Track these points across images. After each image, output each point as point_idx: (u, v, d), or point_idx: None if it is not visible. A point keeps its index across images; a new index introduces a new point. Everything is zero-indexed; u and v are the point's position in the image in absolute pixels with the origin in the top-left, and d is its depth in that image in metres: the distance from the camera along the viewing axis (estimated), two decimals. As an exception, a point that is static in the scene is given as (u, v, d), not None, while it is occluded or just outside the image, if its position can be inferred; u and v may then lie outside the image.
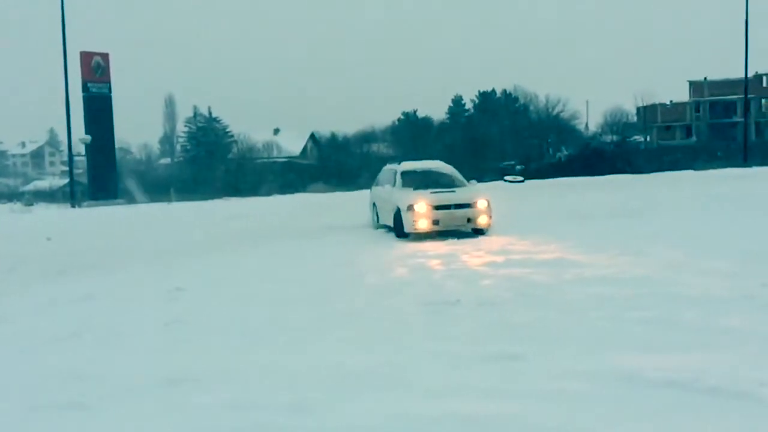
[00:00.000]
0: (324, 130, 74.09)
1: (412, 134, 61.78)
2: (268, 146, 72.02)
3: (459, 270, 9.75)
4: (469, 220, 13.74)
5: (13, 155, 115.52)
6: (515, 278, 8.88)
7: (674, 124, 71.62)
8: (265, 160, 64.50)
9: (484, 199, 13.84)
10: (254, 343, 6.35)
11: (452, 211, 13.68)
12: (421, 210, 13.57)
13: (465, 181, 14.97)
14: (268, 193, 36.77)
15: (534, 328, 6.41)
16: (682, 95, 72.57)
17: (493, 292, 8.08)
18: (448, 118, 71.04)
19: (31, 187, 68.31)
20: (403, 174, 15.05)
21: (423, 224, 13.56)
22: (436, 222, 13.62)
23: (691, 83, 71.43)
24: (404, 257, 11.13)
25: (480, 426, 4.20)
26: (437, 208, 13.62)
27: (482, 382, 4.94)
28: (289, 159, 67.01)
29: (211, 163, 59.30)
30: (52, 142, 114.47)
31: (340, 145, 66.37)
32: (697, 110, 71.09)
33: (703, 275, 8.50)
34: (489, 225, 13.86)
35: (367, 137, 65.07)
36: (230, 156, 63.79)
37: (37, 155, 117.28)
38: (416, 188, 14.25)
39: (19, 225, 23.67)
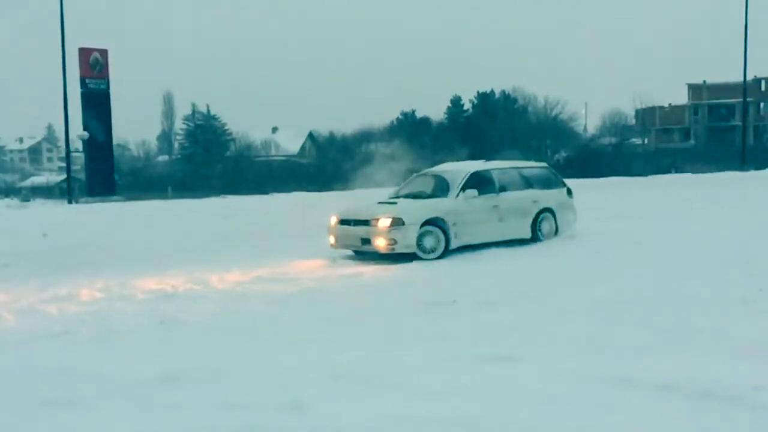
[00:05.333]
0: (322, 129, 74.04)
1: (410, 134, 61.68)
2: (267, 145, 71.98)
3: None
4: (363, 240, 11.25)
5: (11, 151, 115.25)
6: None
7: (672, 127, 71.68)
8: (263, 158, 64.44)
9: (387, 217, 11.00)
10: (249, 342, 6.34)
11: (350, 227, 11.43)
12: (331, 223, 11.83)
13: (454, 188, 11.78)
14: (266, 192, 36.73)
15: (529, 329, 6.41)
16: (681, 98, 72.68)
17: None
18: (446, 119, 70.88)
19: (28, 182, 68.21)
20: (414, 178, 13.17)
21: (331, 240, 11.79)
22: (336, 239, 11.69)
23: (690, 86, 71.49)
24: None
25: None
26: (341, 222, 11.65)
27: (477, 383, 4.92)
28: (288, 158, 66.96)
29: (209, 161, 59.19)
30: (50, 137, 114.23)
31: (338, 144, 66.30)
32: (696, 113, 71.16)
33: (697, 278, 8.50)
34: (391, 249, 10.93)
35: (365, 137, 64.97)
36: (228, 154, 63.69)
37: (34, 151, 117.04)
38: (402, 196, 12.34)
39: (16, 220, 23.61)
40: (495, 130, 58.33)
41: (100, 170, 40.59)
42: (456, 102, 72.10)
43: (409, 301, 7.84)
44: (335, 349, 5.94)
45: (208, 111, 66.87)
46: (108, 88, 41.28)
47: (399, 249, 10.95)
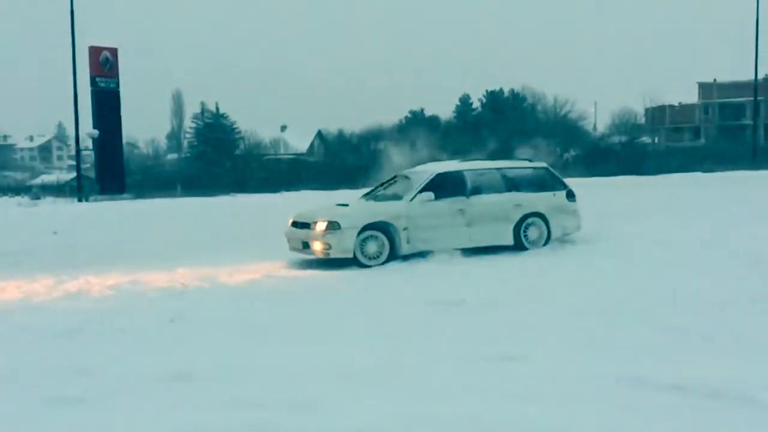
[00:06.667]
0: (331, 128, 74.09)
1: (419, 133, 61.60)
2: (275, 143, 72.00)
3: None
4: (304, 244, 10.89)
5: (21, 149, 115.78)
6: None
7: (683, 125, 71.40)
8: (272, 156, 64.49)
9: (324, 221, 10.60)
10: (257, 341, 6.36)
11: (296, 230, 11.14)
12: (288, 225, 11.52)
13: (412, 191, 11.15)
14: (275, 190, 36.81)
15: (537, 328, 6.40)
16: (691, 97, 72.34)
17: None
18: (455, 117, 70.88)
19: (38, 180, 68.31)
20: (392, 178, 12.51)
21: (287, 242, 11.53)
22: (288, 241, 11.38)
23: (701, 85, 71.17)
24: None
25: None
26: (292, 224, 11.33)
27: (486, 383, 4.92)
28: (296, 156, 66.96)
29: (218, 159, 59.29)
30: (60, 136, 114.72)
31: (347, 142, 66.30)
32: (706, 112, 70.87)
33: (707, 278, 8.48)
34: (326, 254, 10.54)
35: (374, 135, 64.92)
36: (237, 152, 63.78)
37: (44, 149, 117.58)
38: (368, 197, 12.08)
39: (26, 219, 23.73)
40: (504, 128, 58.22)
41: (110, 168, 40.76)
42: (465, 100, 72.07)
43: (415, 300, 7.84)
44: (344, 348, 5.95)
45: (217, 109, 67.00)
46: (118, 86, 41.44)
47: (334, 254, 10.51)
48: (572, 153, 57.68)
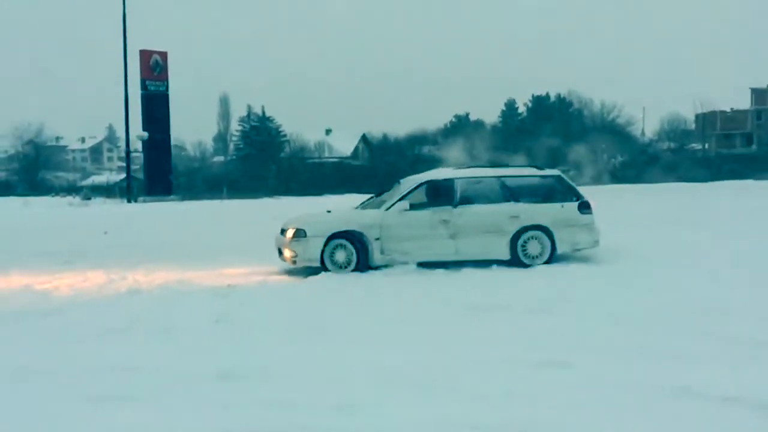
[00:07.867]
0: (376, 132, 74.26)
1: (463, 137, 61.40)
2: (320, 146, 72.45)
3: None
4: (279, 251, 10.90)
5: (73, 150, 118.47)
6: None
7: (734, 132, 69.83)
8: (317, 160, 64.93)
9: (292, 228, 10.50)
10: (302, 343, 6.40)
11: (279, 236, 11.01)
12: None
13: (392, 200, 10.78)
14: (319, 193, 37.09)
15: (580, 335, 6.32)
16: (743, 103, 70.80)
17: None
18: (500, 122, 70.54)
19: (89, 181, 69.88)
20: (394, 185, 11.88)
21: None
22: (276, 247, 11.24)
23: (753, 90, 69.56)
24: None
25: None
26: (280, 231, 11.07)
27: (529, 389, 4.88)
28: (341, 159, 67.27)
29: (264, 162, 59.93)
30: (111, 138, 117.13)
31: (391, 146, 66.35)
32: (759, 118, 69.24)
33: (754, 289, 8.29)
34: (293, 261, 10.47)
35: (418, 139, 64.89)
36: (282, 155, 64.40)
37: (95, 150, 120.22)
38: (364, 205, 11.64)
39: (77, 218, 24.30)
40: (550, 133, 57.65)
41: (158, 170, 41.57)
42: (510, 105, 71.69)
43: (457, 304, 7.82)
44: (385, 351, 5.95)
45: (263, 112, 67.72)
46: (167, 90, 42.26)
47: (300, 262, 10.39)
48: (619, 159, 56.91)
